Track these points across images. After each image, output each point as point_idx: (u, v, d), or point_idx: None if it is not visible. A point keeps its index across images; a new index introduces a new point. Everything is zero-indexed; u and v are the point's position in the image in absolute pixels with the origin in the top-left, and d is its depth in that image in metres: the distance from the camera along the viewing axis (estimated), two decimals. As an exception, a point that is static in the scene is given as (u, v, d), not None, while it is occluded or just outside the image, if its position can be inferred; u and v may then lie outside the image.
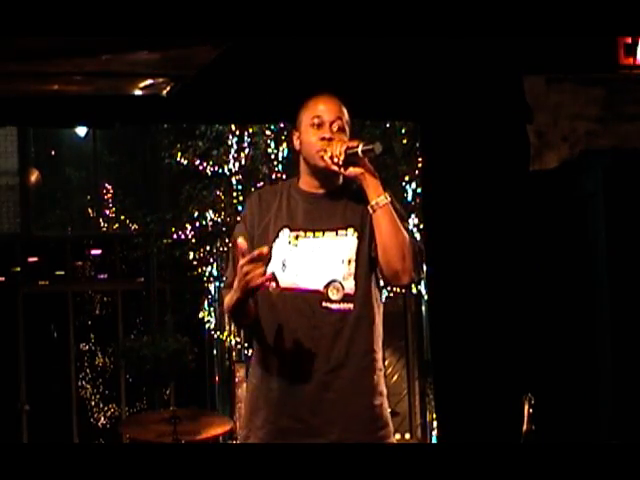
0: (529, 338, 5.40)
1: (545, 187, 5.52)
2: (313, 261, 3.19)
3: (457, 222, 5.50)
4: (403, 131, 10.07)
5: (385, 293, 11.12)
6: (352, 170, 3.18)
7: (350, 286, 3.20)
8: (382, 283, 3.29)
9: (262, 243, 3.21)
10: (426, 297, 10.84)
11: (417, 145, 9.14)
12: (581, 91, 5.56)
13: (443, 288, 5.62)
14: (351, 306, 3.20)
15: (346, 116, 3.29)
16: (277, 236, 3.24)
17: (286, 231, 3.24)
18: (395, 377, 12.93)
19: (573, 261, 5.54)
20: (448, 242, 5.55)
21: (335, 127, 3.25)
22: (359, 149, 3.16)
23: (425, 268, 9.44)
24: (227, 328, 11.28)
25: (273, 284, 3.20)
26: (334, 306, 3.19)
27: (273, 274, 3.17)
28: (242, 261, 3.00)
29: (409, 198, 10.45)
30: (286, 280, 3.20)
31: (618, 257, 5.49)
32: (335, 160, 3.18)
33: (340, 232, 3.23)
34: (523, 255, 5.47)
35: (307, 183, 3.31)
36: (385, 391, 3.30)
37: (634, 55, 5.52)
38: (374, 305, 3.25)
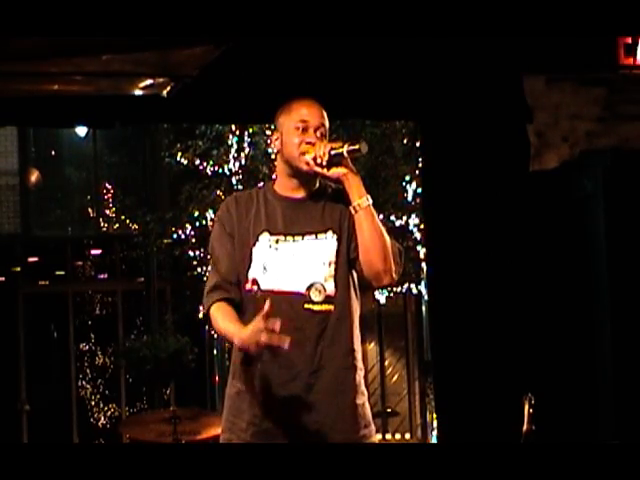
0: (529, 338, 5.40)
1: (545, 187, 5.52)
2: (294, 264, 3.20)
3: (457, 222, 5.51)
4: (403, 131, 10.08)
5: (385, 293, 11.20)
6: (335, 171, 3.19)
7: (331, 288, 3.21)
8: (358, 283, 3.29)
9: (242, 247, 3.25)
10: (426, 297, 10.85)
11: (417, 145, 9.14)
12: (581, 91, 5.57)
13: (443, 288, 5.62)
14: (332, 307, 3.21)
15: (327, 123, 3.30)
16: (257, 240, 3.25)
17: (266, 235, 3.25)
18: (395, 377, 12.91)
19: (573, 261, 5.54)
20: (448, 242, 5.55)
21: (318, 133, 3.25)
22: (344, 149, 3.15)
23: (425, 268, 9.51)
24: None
25: (255, 287, 3.22)
26: (316, 308, 3.21)
27: (255, 278, 3.21)
28: (264, 334, 2.98)
29: (409, 198, 10.46)
30: (268, 283, 3.21)
31: (618, 257, 5.49)
32: (318, 161, 3.18)
33: (320, 235, 3.24)
34: (523, 255, 5.47)
35: (284, 186, 3.31)
36: (366, 391, 3.32)
37: (634, 55, 5.53)
38: (352, 305, 3.27)
